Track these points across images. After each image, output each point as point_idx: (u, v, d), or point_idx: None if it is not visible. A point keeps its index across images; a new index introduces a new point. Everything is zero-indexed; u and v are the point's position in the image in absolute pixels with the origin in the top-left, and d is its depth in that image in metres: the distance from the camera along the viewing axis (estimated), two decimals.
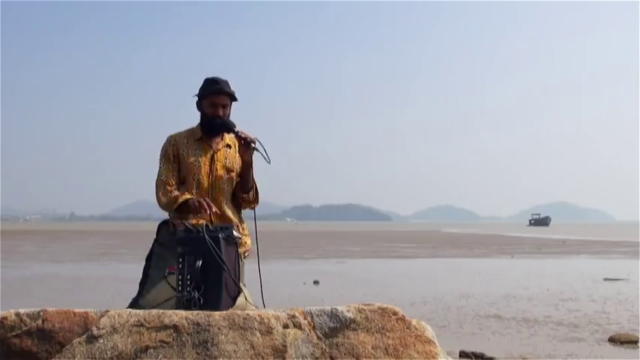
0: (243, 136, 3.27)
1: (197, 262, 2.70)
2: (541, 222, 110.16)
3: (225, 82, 3.34)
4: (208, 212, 3.03)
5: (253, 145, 3.26)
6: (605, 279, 13.36)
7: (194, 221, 3.07)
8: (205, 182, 3.26)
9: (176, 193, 3.21)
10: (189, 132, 3.37)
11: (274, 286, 11.50)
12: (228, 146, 3.38)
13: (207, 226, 2.84)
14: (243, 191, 3.38)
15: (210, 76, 3.35)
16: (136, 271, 3.45)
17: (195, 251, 2.72)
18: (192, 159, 3.27)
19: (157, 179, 3.28)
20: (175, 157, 3.29)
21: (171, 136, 3.36)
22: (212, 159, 3.29)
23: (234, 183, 3.36)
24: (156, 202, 3.28)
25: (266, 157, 3.26)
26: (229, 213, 3.31)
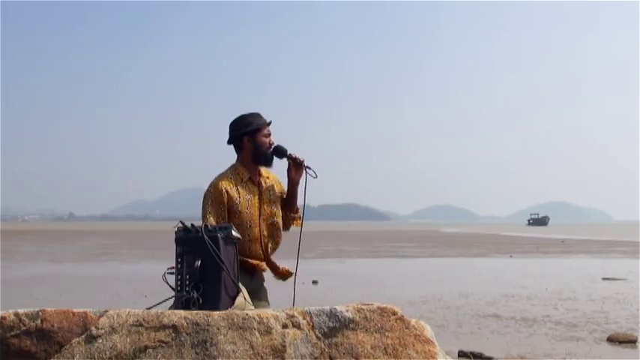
0: (294, 157, 3.43)
1: (196, 262, 2.69)
2: (540, 222, 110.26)
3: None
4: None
5: (308, 167, 3.42)
6: (604, 278, 13.38)
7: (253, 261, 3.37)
8: (258, 225, 3.38)
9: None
10: (233, 174, 3.40)
11: (273, 286, 11.50)
12: (267, 178, 3.48)
13: (205, 225, 2.84)
14: (291, 211, 3.52)
15: (240, 114, 3.44)
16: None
17: (193, 251, 2.72)
18: (244, 204, 3.34)
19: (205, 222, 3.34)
20: (224, 205, 3.31)
21: (219, 183, 3.34)
22: (261, 194, 3.40)
23: (278, 212, 3.47)
24: None
25: (314, 174, 3.44)
26: (276, 245, 3.48)
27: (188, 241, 2.76)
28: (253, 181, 3.41)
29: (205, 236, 2.74)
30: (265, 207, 3.41)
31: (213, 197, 3.31)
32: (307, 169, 3.43)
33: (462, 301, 9.80)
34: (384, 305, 2.48)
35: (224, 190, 3.31)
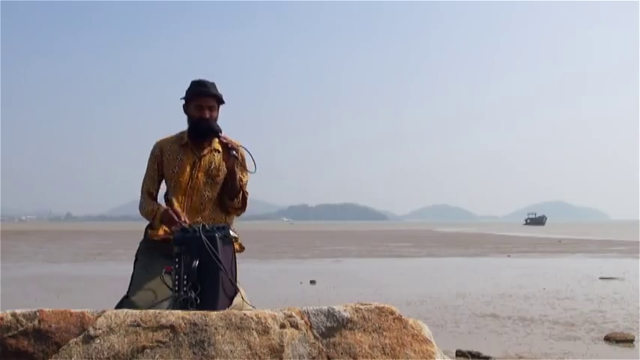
0: (225, 141, 3.23)
1: (194, 262, 2.69)
2: (537, 221, 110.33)
3: (212, 85, 3.28)
4: (178, 222, 3.00)
5: (234, 152, 3.20)
6: (601, 278, 13.39)
7: (161, 232, 3.15)
8: (184, 189, 3.23)
9: (152, 206, 3.23)
10: (178, 136, 3.34)
11: (271, 286, 11.51)
12: (218, 151, 3.32)
13: (203, 225, 2.83)
14: (229, 197, 3.31)
15: (197, 78, 3.28)
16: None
17: (191, 251, 2.72)
18: (173, 165, 3.24)
19: (142, 187, 3.30)
20: (160, 164, 3.28)
21: (158, 142, 3.33)
22: (194, 165, 3.25)
23: (219, 188, 3.31)
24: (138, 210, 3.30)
25: (253, 164, 3.22)
26: (211, 218, 3.25)
27: (186, 241, 2.76)
28: (192, 147, 3.28)
29: (203, 236, 2.74)
30: (199, 175, 3.25)
31: (151, 154, 3.31)
32: (235, 157, 3.20)
33: (460, 301, 9.80)
34: (382, 305, 2.48)
35: (160, 148, 3.29)
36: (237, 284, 2.96)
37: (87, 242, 34.77)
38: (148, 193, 3.29)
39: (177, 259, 2.72)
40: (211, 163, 3.28)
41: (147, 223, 3.32)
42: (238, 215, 3.42)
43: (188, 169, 3.24)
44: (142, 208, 3.28)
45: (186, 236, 2.77)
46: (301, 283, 12.36)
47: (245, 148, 3.29)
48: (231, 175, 3.26)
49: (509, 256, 21.91)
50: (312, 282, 12.39)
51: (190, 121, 3.28)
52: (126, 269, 3.44)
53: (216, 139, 3.30)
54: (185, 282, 2.67)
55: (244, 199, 3.36)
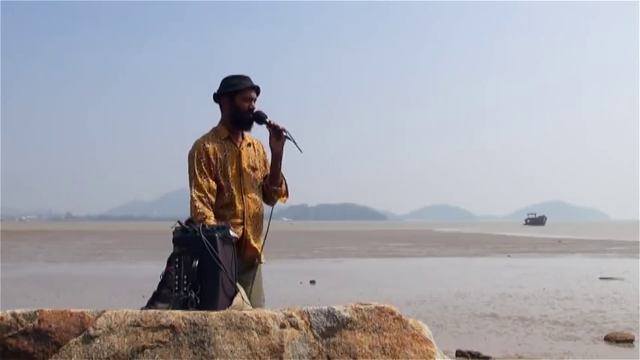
0: (273, 124, 3.34)
1: (194, 262, 2.69)
2: (537, 221, 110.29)
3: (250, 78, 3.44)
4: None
5: (285, 133, 3.32)
6: (601, 278, 13.40)
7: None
8: (236, 179, 3.31)
9: (207, 213, 3.17)
10: (214, 133, 3.40)
11: (271, 286, 11.49)
12: (249, 145, 3.43)
13: (203, 225, 2.83)
14: (274, 184, 3.42)
15: (230, 74, 3.41)
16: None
17: (191, 251, 2.72)
18: (222, 160, 3.31)
19: (192, 192, 3.25)
20: (209, 161, 3.30)
21: (199, 141, 3.35)
22: (239, 157, 3.34)
23: (260, 180, 3.41)
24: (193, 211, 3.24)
25: (297, 145, 3.33)
26: (259, 210, 3.36)
27: (186, 241, 2.75)
28: (232, 140, 3.37)
29: (203, 236, 2.73)
30: (245, 167, 3.35)
31: (198, 155, 3.31)
32: (288, 137, 3.32)
33: (460, 301, 9.81)
34: (382, 305, 2.48)
35: (206, 146, 3.32)
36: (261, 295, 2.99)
37: (87, 242, 34.78)
38: (209, 190, 3.24)
39: (177, 259, 2.72)
40: (249, 157, 3.39)
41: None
42: (284, 202, 3.54)
43: (235, 162, 3.33)
44: (197, 214, 3.19)
45: (186, 236, 2.77)
46: (301, 283, 12.37)
47: (288, 132, 3.36)
48: (277, 159, 3.37)
49: (509, 256, 21.91)
50: (312, 282, 12.39)
51: (238, 111, 3.36)
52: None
53: (247, 134, 3.42)
54: (185, 282, 2.67)
55: (286, 185, 3.48)
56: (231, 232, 2.93)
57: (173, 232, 2.91)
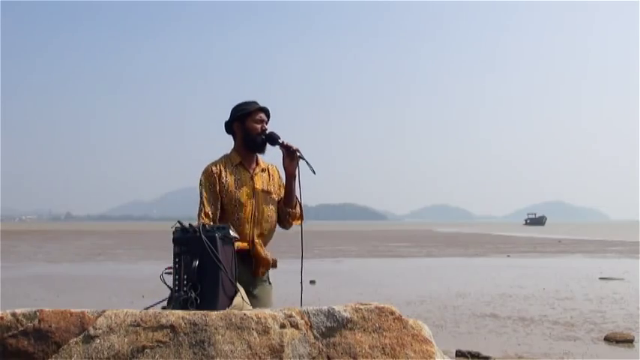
0: (287, 145, 3.34)
1: (194, 262, 2.69)
2: (537, 221, 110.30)
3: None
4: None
5: (298, 154, 3.31)
6: (601, 278, 13.40)
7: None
8: (248, 205, 3.30)
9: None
10: (225, 159, 3.40)
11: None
12: (263, 170, 3.42)
13: (203, 225, 2.83)
14: (289, 206, 3.41)
15: (241, 101, 3.43)
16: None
17: (191, 251, 2.72)
18: (233, 186, 3.30)
19: (200, 212, 3.27)
20: (218, 187, 3.29)
21: (209, 167, 3.35)
22: (252, 182, 3.33)
23: (274, 202, 3.40)
24: None
25: (310, 166, 3.31)
26: (271, 227, 3.37)
27: (186, 241, 2.75)
28: (245, 166, 3.37)
29: (203, 236, 2.73)
30: (258, 192, 3.33)
31: (206, 181, 3.32)
32: (301, 158, 3.32)
33: (460, 301, 9.81)
34: (382, 305, 2.48)
35: (214, 172, 3.32)
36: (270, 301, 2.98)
37: (87, 242, 34.78)
38: (206, 215, 3.26)
39: (177, 259, 2.72)
40: (263, 182, 3.38)
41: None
42: (299, 224, 3.51)
43: (247, 187, 3.32)
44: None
45: (186, 236, 2.77)
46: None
47: (301, 153, 3.35)
48: (291, 180, 3.36)
49: (508, 256, 21.92)
50: (312, 282, 12.39)
51: (250, 134, 3.36)
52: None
53: (261, 159, 3.42)
54: (185, 282, 2.67)
55: (300, 206, 3.46)
56: (231, 232, 2.93)
57: (173, 232, 2.91)
